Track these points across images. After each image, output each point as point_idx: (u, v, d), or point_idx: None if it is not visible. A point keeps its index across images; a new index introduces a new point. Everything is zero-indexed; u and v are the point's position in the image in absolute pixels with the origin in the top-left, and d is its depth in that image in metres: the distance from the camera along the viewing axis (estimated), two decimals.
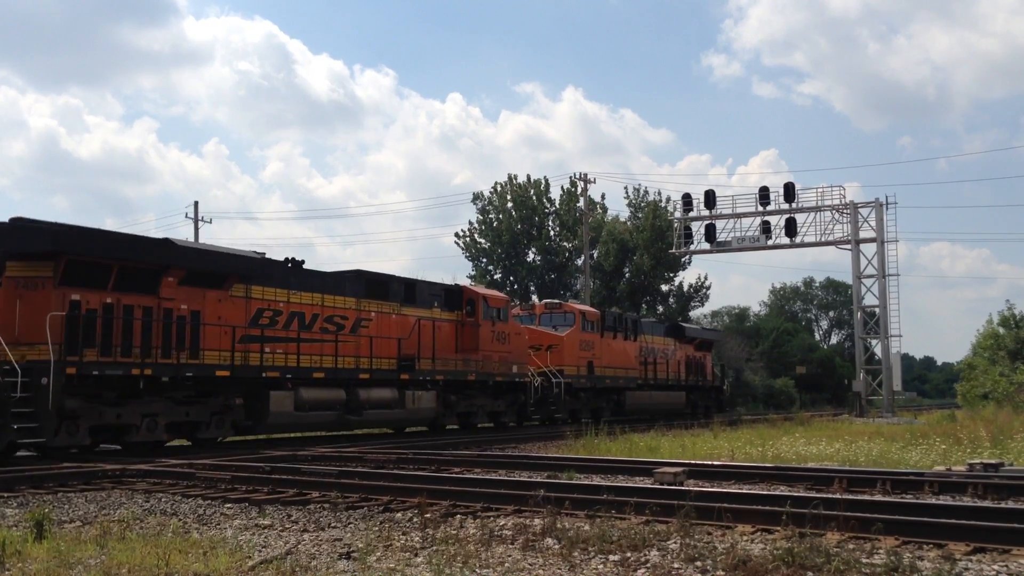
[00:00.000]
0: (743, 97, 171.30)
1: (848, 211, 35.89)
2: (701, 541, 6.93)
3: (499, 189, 57.61)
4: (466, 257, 57.69)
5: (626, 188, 62.42)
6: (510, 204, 56.84)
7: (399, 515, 8.83)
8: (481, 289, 24.98)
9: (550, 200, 57.51)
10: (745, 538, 7.23)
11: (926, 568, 5.96)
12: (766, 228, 36.95)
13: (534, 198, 57.01)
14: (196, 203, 48.98)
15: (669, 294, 59.10)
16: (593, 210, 54.17)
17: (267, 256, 19.26)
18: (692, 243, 39.36)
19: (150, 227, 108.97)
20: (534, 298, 49.86)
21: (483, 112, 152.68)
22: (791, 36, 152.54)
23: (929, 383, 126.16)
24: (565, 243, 56.70)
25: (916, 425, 24.79)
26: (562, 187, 57.19)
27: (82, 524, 8.55)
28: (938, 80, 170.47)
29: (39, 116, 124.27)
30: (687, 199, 39.01)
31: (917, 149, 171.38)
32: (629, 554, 6.59)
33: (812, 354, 69.83)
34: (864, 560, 6.18)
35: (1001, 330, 45.17)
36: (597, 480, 11.53)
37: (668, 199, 55.32)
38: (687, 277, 61.71)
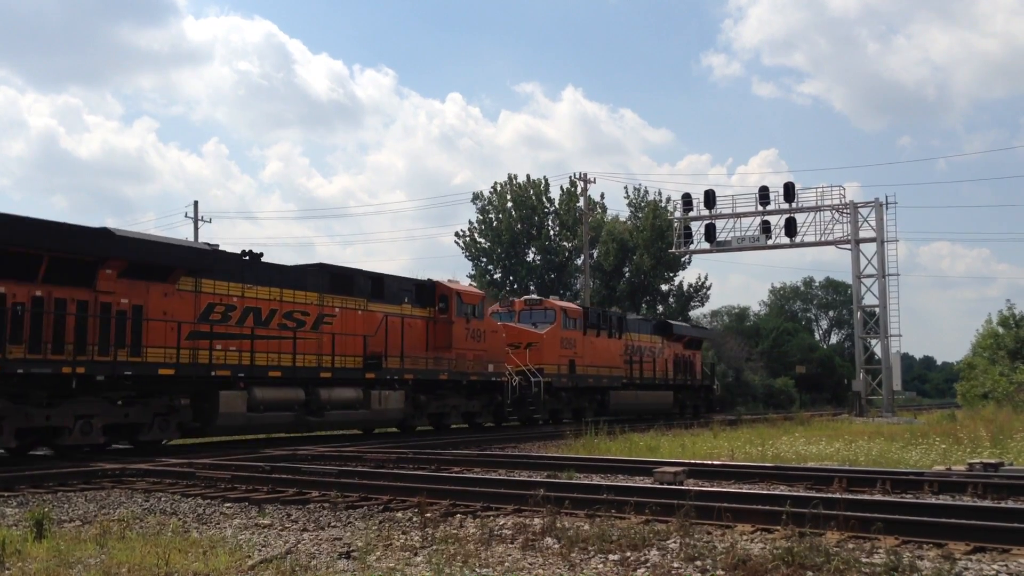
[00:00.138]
0: (743, 97, 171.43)
1: (848, 211, 35.88)
2: (701, 540, 6.93)
3: (499, 189, 57.65)
4: (466, 257, 57.76)
5: (626, 188, 62.53)
6: (510, 204, 56.85)
7: (399, 514, 8.83)
8: (455, 285, 24.05)
9: (550, 200, 57.55)
10: (745, 537, 7.23)
11: (926, 568, 5.96)
12: (766, 228, 36.92)
13: (534, 198, 57.02)
14: (196, 203, 49.03)
15: (669, 294, 59.12)
16: (593, 210, 54.19)
17: (255, 252, 18.69)
18: (692, 243, 39.34)
19: (150, 227, 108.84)
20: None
21: (483, 112, 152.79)
22: (791, 36, 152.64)
23: (929, 383, 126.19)
24: (565, 243, 56.71)
25: (916, 425, 24.78)
26: (561, 187, 57.27)
27: (82, 523, 8.55)
28: (938, 80, 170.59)
29: (39, 116, 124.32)
30: (687, 199, 39.00)
31: (917, 149, 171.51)
32: (629, 553, 6.59)
33: (812, 354, 69.78)
34: (864, 560, 6.18)
35: (1001, 330, 45.17)
36: (597, 479, 11.54)
37: (668, 199, 55.42)
38: (687, 277, 61.78)
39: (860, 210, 35.86)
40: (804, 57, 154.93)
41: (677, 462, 12.77)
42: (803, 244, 37.17)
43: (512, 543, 7.14)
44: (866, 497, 9.35)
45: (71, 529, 8.13)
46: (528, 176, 57.70)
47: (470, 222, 58.31)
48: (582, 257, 51.01)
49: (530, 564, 6.39)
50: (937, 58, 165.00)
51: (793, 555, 6.08)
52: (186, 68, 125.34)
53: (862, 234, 35.66)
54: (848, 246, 36.07)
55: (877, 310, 35.67)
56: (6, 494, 10.58)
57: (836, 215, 36.09)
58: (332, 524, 8.37)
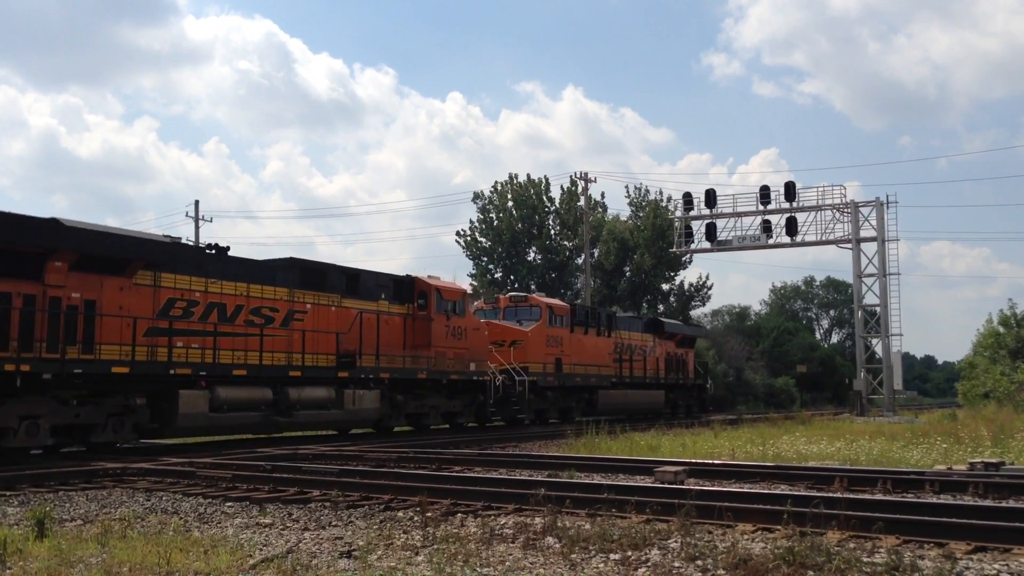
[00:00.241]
0: (743, 96, 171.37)
1: (849, 210, 35.86)
2: (702, 540, 6.93)
3: (500, 188, 57.64)
4: (467, 256, 57.77)
5: (627, 187, 62.49)
6: (511, 203, 56.85)
7: (400, 514, 8.83)
8: (435, 281, 23.22)
9: (550, 199, 57.53)
10: (746, 537, 7.22)
11: (927, 567, 5.95)
12: (767, 227, 36.90)
13: (534, 197, 57.02)
14: (196, 202, 49.00)
15: (670, 293, 59.12)
16: (594, 209, 54.19)
17: (223, 247, 18.10)
18: (693, 242, 39.31)
19: (150, 226, 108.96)
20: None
21: (483, 111, 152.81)
22: (791, 35, 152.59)
23: (930, 382, 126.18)
24: (565, 242, 56.71)
25: (917, 424, 24.77)
26: (562, 186, 57.26)
27: (83, 523, 8.55)
28: (938, 79, 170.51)
29: (39, 115, 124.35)
30: (688, 198, 38.99)
31: (917, 148, 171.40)
32: (630, 553, 6.59)
33: (813, 353, 69.75)
34: (865, 559, 6.18)
35: (1001, 329, 45.15)
36: (598, 479, 11.54)
37: (669, 198, 55.40)
38: (688, 276, 61.77)
39: (861, 209, 35.85)
40: (804, 56, 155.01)
41: (678, 461, 12.77)
42: (804, 243, 37.17)
43: (513, 542, 7.15)
44: (867, 496, 9.34)
45: (72, 528, 8.13)
46: (528, 175, 57.74)
47: (471, 221, 58.34)
48: (583, 256, 50.99)
49: (531, 563, 6.39)
50: (937, 57, 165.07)
51: (794, 554, 6.08)
52: (186, 67, 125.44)
53: (863, 233, 35.65)
54: (849, 245, 36.07)
55: (878, 309, 35.66)
56: (7, 493, 10.59)
57: (837, 214, 36.08)
58: (333, 523, 8.37)
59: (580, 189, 51.55)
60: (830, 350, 79.38)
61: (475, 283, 52.69)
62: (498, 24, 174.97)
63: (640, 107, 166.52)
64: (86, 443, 15.75)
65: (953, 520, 7.18)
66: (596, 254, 55.72)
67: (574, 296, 52.97)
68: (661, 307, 57.69)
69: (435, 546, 6.97)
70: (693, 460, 13.28)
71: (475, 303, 30.27)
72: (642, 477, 11.74)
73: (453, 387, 23.54)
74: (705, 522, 7.63)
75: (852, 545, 6.78)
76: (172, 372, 16.35)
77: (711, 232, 37.96)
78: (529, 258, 57.11)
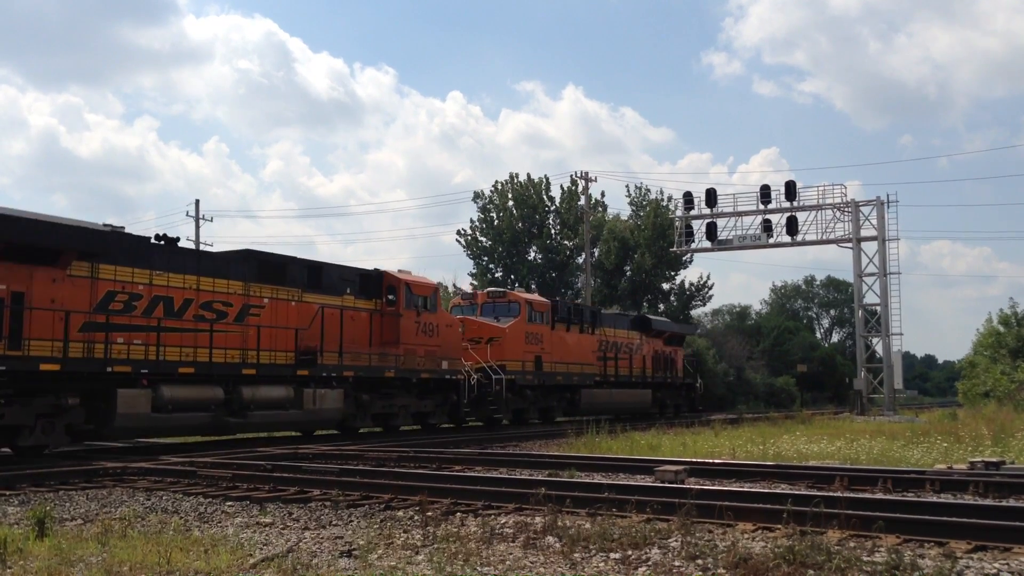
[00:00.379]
0: (744, 96, 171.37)
1: (849, 209, 35.87)
2: (702, 539, 6.93)
3: (500, 188, 57.64)
4: (467, 255, 57.79)
5: (627, 186, 62.47)
6: (511, 203, 56.85)
7: (400, 513, 8.83)
8: (405, 275, 22.19)
9: (551, 199, 57.54)
10: (746, 536, 7.22)
11: (927, 566, 5.95)
12: (767, 226, 36.90)
13: (535, 197, 57.02)
14: (197, 201, 48.90)
15: (670, 293, 59.12)
16: (594, 209, 54.19)
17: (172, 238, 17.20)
18: (693, 241, 39.32)
19: (151, 225, 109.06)
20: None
21: (483, 110, 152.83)
22: (792, 35, 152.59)
23: (930, 381, 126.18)
24: (566, 242, 56.71)
25: (917, 423, 24.77)
26: (562, 186, 57.26)
27: (83, 522, 8.56)
28: (939, 79, 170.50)
29: (39, 115, 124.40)
30: (688, 197, 38.99)
31: (918, 148, 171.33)
32: (630, 552, 6.59)
33: (813, 352, 69.75)
34: (865, 558, 6.18)
35: (1002, 328, 45.15)
36: (598, 478, 11.55)
37: (670, 198, 55.40)
38: (689, 276, 61.70)
39: (861, 209, 35.86)
40: (805, 56, 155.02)
41: (678, 461, 12.77)
42: (804, 243, 37.18)
43: (513, 542, 7.15)
44: (867, 495, 9.35)
45: (73, 528, 8.14)
46: (529, 175, 57.73)
47: (471, 221, 58.36)
48: (583, 256, 50.98)
49: (531, 563, 6.39)
50: (938, 57, 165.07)
51: (794, 553, 6.08)
52: (186, 67, 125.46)
53: (863, 233, 35.66)
54: (849, 245, 36.08)
55: (878, 308, 35.67)
56: (8, 493, 10.60)
57: (837, 214, 36.09)
58: (333, 523, 8.37)
59: (580, 188, 51.56)
60: (830, 349, 79.37)
61: (475, 283, 52.66)
62: (498, 23, 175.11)
63: (640, 106, 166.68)
64: (14, 447, 14.91)
65: (953, 519, 7.18)
66: (596, 253, 55.72)
67: (575, 295, 52.97)
68: (662, 307, 57.68)
69: (435, 545, 6.97)
70: (693, 459, 13.28)
71: (453, 299, 29.72)
72: (642, 476, 11.75)
73: (424, 386, 22.63)
74: (705, 521, 7.64)
75: (852, 544, 6.78)
76: (109, 370, 15.26)
77: (711, 231, 37.96)
78: (530, 257, 57.12)
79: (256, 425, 18.24)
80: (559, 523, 7.53)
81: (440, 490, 9.58)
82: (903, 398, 53.77)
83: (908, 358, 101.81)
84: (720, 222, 37.87)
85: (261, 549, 6.99)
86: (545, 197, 57.33)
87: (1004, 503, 8.96)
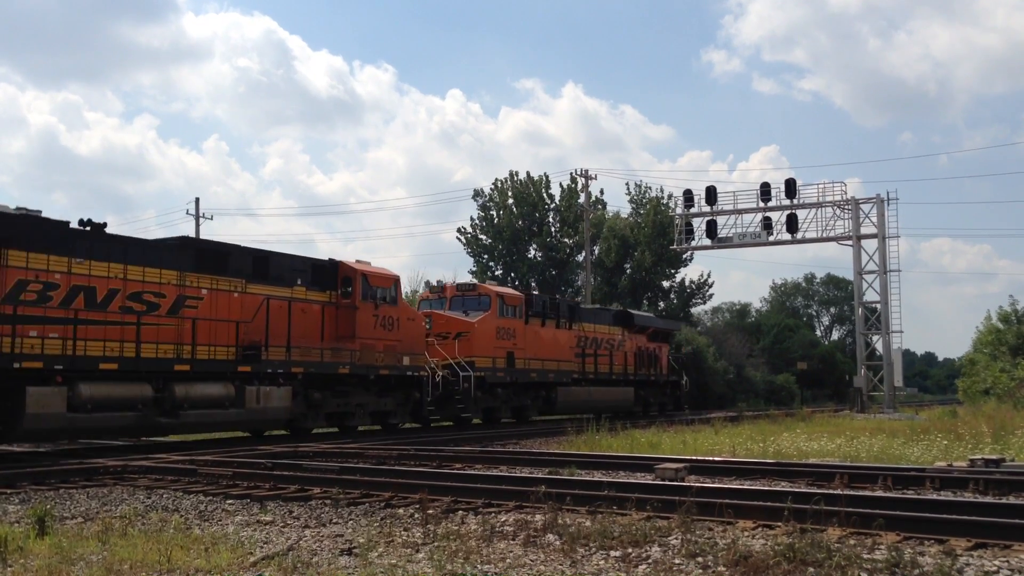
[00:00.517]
0: (743, 93, 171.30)
1: (849, 207, 35.88)
2: (702, 537, 6.93)
3: (500, 186, 57.64)
4: (467, 253, 57.81)
5: (627, 184, 62.45)
6: (511, 201, 56.85)
7: (400, 511, 8.84)
8: (362, 265, 20.96)
9: (551, 196, 57.54)
10: (746, 534, 7.23)
11: (927, 564, 5.95)
12: (767, 224, 36.91)
13: (535, 195, 57.02)
14: (197, 200, 48.66)
15: (671, 290, 59.14)
16: (594, 207, 54.18)
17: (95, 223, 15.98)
18: (693, 239, 39.33)
19: (151, 224, 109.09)
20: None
21: (483, 108, 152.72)
22: (791, 32, 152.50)
23: (930, 379, 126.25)
24: (566, 239, 56.72)
25: (917, 421, 24.78)
26: (561, 184, 57.25)
27: (84, 520, 8.56)
28: (939, 76, 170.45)
29: (39, 113, 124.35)
30: (688, 195, 38.99)
31: (918, 145, 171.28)
32: (630, 550, 6.59)
33: (813, 350, 69.77)
34: (865, 556, 6.18)
35: (1001, 325, 45.17)
36: (598, 476, 11.55)
37: (670, 195, 55.43)
38: (689, 274, 61.80)
39: (861, 206, 35.86)
40: (805, 53, 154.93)
41: (678, 458, 12.77)
42: (804, 240, 37.17)
43: (514, 539, 7.15)
44: (867, 493, 9.35)
45: (73, 526, 8.14)
46: (528, 173, 57.71)
47: (471, 219, 58.37)
48: (583, 254, 50.98)
49: (531, 560, 6.40)
50: (938, 54, 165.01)
51: (794, 551, 6.09)
52: (186, 65, 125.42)
53: (863, 230, 35.66)
54: (849, 242, 36.09)
55: (878, 306, 35.68)
56: (8, 491, 10.61)
57: (837, 211, 36.09)
58: (334, 521, 8.38)
59: (580, 186, 51.55)
60: (831, 347, 79.40)
61: (475, 281, 52.68)
62: (498, 21, 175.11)
63: (640, 104, 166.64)
64: None
65: (953, 517, 7.18)
66: (597, 251, 55.72)
67: (575, 293, 52.98)
68: (662, 304, 57.71)
69: (436, 543, 6.97)
70: (694, 457, 13.28)
71: (421, 292, 28.69)
72: (643, 474, 11.75)
73: (384, 383, 21.43)
74: (706, 519, 7.64)
75: (852, 542, 6.78)
76: (16, 365, 14.02)
77: (712, 229, 37.96)
78: (530, 255, 57.14)
79: (191, 426, 17.14)
80: (559, 521, 7.53)
81: (440, 488, 9.59)
82: (903, 396, 53.82)
83: (908, 356, 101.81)
84: (720, 220, 37.87)
85: (261, 547, 6.99)
86: (545, 195, 57.32)
87: (1004, 501, 8.96)
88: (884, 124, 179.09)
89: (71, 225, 15.42)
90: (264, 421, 18.71)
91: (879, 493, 9.61)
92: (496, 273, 56.32)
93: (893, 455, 14.38)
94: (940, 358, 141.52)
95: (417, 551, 6.78)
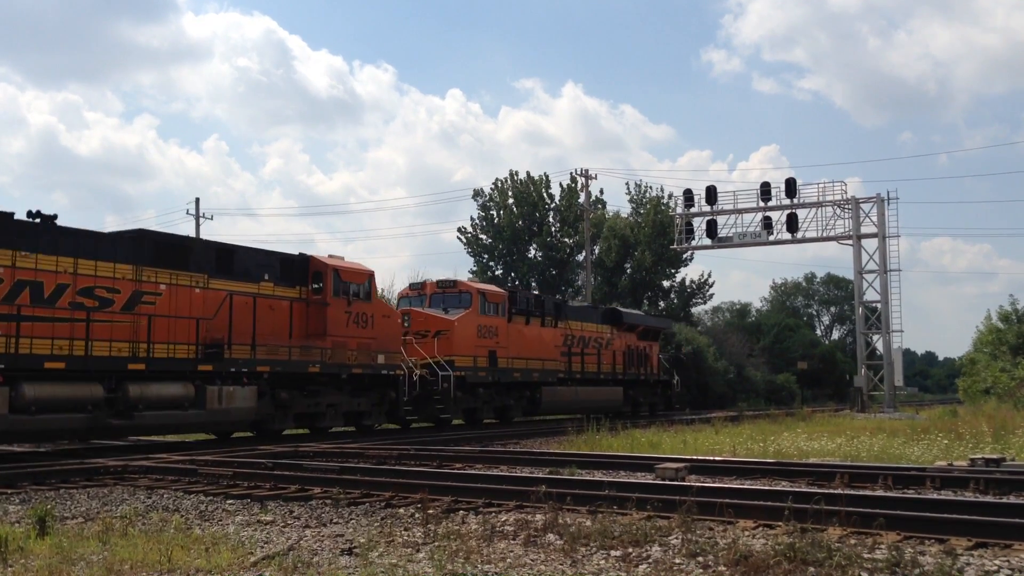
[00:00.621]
0: (743, 93, 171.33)
1: (849, 206, 35.88)
2: (703, 536, 6.93)
3: (500, 185, 57.65)
4: (468, 253, 57.85)
5: (627, 184, 62.46)
6: (511, 200, 56.86)
7: (401, 511, 8.84)
8: (334, 260, 20.15)
9: (551, 196, 57.55)
10: (747, 533, 7.23)
11: (928, 563, 5.95)
12: (767, 224, 36.92)
13: (535, 194, 57.02)
14: (197, 200, 48.70)
15: (671, 290, 59.16)
16: (594, 206, 54.19)
17: None
18: (693, 239, 39.32)
19: (151, 223, 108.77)
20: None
21: (483, 108, 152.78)
22: (791, 32, 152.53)
23: (931, 378, 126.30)
24: (566, 239, 56.73)
25: (918, 420, 24.77)
26: (561, 183, 57.26)
27: (84, 520, 8.56)
28: (939, 75, 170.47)
29: (38, 113, 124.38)
30: (688, 195, 38.99)
31: (918, 144, 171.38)
32: (631, 549, 6.59)
33: (813, 350, 69.79)
34: (866, 555, 6.18)
35: (1001, 325, 45.19)
36: (599, 476, 11.55)
37: (670, 195, 55.46)
38: (690, 273, 61.82)
39: (862, 206, 35.86)
40: (804, 53, 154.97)
41: (679, 458, 12.77)
42: (805, 240, 37.17)
43: (514, 539, 7.15)
44: (868, 493, 9.35)
45: (74, 526, 8.14)
46: (528, 173, 57.72)
47: (472, 219, 58.40)
48: (584, 253, 50.96)
49: (532, 560, 6.40)
50: (938, 53, 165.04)
51: (795, 551, 6.08)
52: (186, 65, 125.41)
53: (864, 230, 35.66)
54: (850, 242, 36.09)
55: (879, 306, 35.69)
56: (9, 491, 10.61)
57: (837, 211, 36.10)
58: (334, 521, 8.38)
59: (580, 186, 51.55)
60: (831, 346, 79.42)
61: (475, 280, 52.70)
62: (497, 21, 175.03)
63: (640, 104, 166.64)
64: None
65: (954, 516, 7.18)
66: (597, 251, 55.73)
67: (575, 293, 52.98)
68: (662, 304, 57.73)
69: (436, 543, 6.97)
70: (694, 457, 13.28)
71: (401, 289, 28.07)
72: (643, 474, 11.75)
73: (357, 383, 20.64)
74: (706, 519, 7.64)
75: (853, 541, 6.78)
76: None
77: (712, 229, 37.96)
78: (530, 255, 57.16)
79: (146, 428, 16.32)
80: (560, 521, 7.53)
81: (441, 488, 9.59)
82: (903, 395, 53.84)
83: (908, 355, 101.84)
84: (720, 219, 37.87)
85: (262, 547, 6.99)
86: (545, 195, 57.34)
87: (1005, 500, 8.95)
88: (884, 123, 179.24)
89: (16, 216, 14.69)
90: (227, 422, 17.77)
91: (879, 493, 9.60)
92: (496, 273, 56.34)
93: (893, 454, 14.37)
94: (940, 357, 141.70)
95: (418, 551, 6.78)
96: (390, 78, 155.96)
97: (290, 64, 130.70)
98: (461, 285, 25.46)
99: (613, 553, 6.52)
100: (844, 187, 36.55)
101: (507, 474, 11.40)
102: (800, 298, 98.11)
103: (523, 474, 11.42)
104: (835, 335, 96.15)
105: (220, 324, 17.19)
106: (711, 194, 37.90)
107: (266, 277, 18.63)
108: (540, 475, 11.00)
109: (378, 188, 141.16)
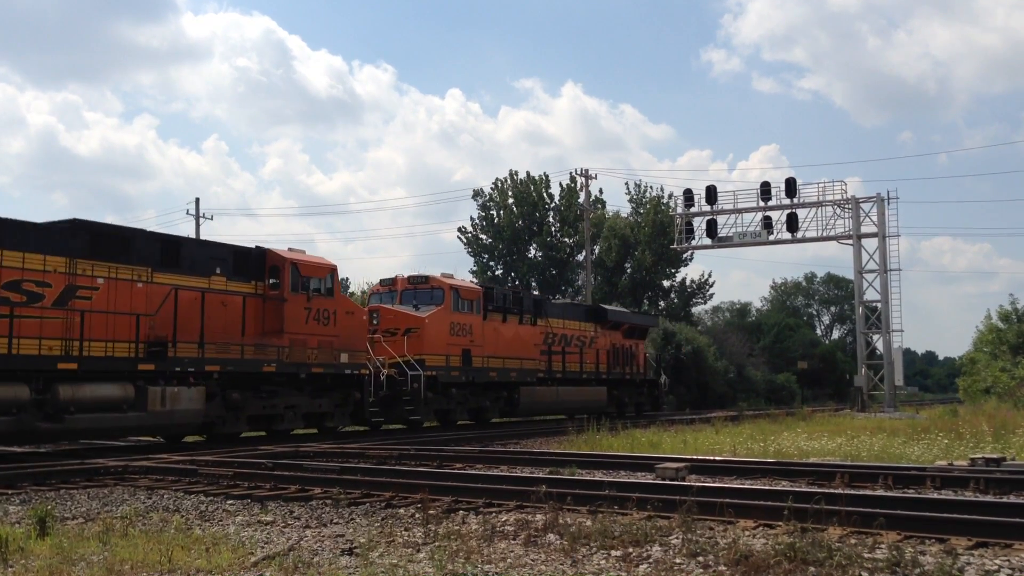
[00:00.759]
0: (743, 92, 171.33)
1: (849, 206, 35.87)
2: (703, 536, 6.93)
3: (500, 185, 57.67)
4: (468, 253, 57.90)
5: (627, 184, 62.51)
6: (511, 200, 56.88)
7: (401, 511, 8.84)
8: (293, 254, 19.20)
9: (551, 196, 57.57)
10: (747, 533, 7.23)
11: (928, 563, 5.95)
12: (768, 223, 36.90)
13: (535, 194, 57.05)
14: (197, 200, 48.70)
15: (671, 290, 59.20)
16: (593, 206, 54.21)
17: None
18: (693, 238, 39.31)
19: (151, 223, 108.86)
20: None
21: (483, 108, 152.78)
22: (791, 31, 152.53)
23: (931, 378, 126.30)
24: (566, 239, 56.76)
25: (918, 420, 24.76)
26: (561, 184, 57.28)
27: (85, 521, 8.56)
28: (938, 75, 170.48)
29: (38, 113, 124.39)
30: (688, 194, 38.97)
31: (918, 144, 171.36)
32: (631, 549, 6.59)
33: (814, 349, 69.86)
34: (866, 555, 6.17)
35: (1002, 324, 45.20)
36: (599, 476, 11.56)
37: (670, 195, 55.50)
38: (690, 273, 61.89)
39: (862, 205, 35.85)
40: (804, 52, 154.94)
41: (679, 458, 12.78)
42: (805, 239, 37.15)
43: (514, 539, 7.15)
44: (868, 492, 9.35)
45: (74, 526, 8.14)
46: (528, 173, 57.75)
47: (472, 218, 58.44)
48: (584, 253, 50.97)
49: (532, 560, 6.40)
50: (938, 53, 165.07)
51: (795, 550, 6.08)
52: (185, 65, 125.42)
53: (864, 229, 35.65)
54: (850, 241, 36.08)
55: (879, 305, 35.68)
56: (9, 492, 10.61)
57: (838, 210, 36.09)
58: (334, 521, 8.38)
59: (580, 186, 51.58)
60: (831, 346, 79.47)
61: (476, 280, 52.77)
62: (497, 20, 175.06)
63: (640, 103, 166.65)
64: None
65: (954, 516, 7.18)
66: (597, 251, 55.76)
67: (575, 293, 53.00)
68: (662, 304, 57.76)
69: (436, 543, 6.97)
70: (694, 457, 13.29)
71: (372, 286, 27.15)
72: (643, 474, 11.75)
73: (319, 383, 19.75)
74: (706, 518, 7.64)
75: (853, 541, 6.77)
76: None
77: (712, 228, 37.94)
78: (530, 255, 57.20)
79: (80, 432, 15.32)
80: (560, 521, 7.53)
81: (441, 488, 9.59)
82: (904, 395, 53.83)
83: (909, 355, 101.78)
84: (720, 219, 37.85)
85: (262, 547, 6.99)
86: (545, 195, 57.37)
87: (1005, 499, 8.96)
88: (884, 123, 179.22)
89: None
90: (172, 425, 16.71)
91: (880, 492, 9.61)
92: (496, 273, 56.38)
93: (894, 454, 14.38)
94: (940, 357, 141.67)
95: (418, 551, 6.78)
96: (390, 78, 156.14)
97: (290, 64, 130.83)
98: (433, 281, 24.40)
99: (613, 553, 6.52)
100: (844, 187, 36.59)
101: (507, 474, 11.41)
102: (800, 298, 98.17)
103: (523, 474, 11.43)
104: (835, 335, 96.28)
105: (164, 321, 16.27)
106: (711, 194, 37.88)
107: (218, 271, 17.64)
108: (540, 475, 11.01)
109: (378, 188, 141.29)
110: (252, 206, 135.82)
